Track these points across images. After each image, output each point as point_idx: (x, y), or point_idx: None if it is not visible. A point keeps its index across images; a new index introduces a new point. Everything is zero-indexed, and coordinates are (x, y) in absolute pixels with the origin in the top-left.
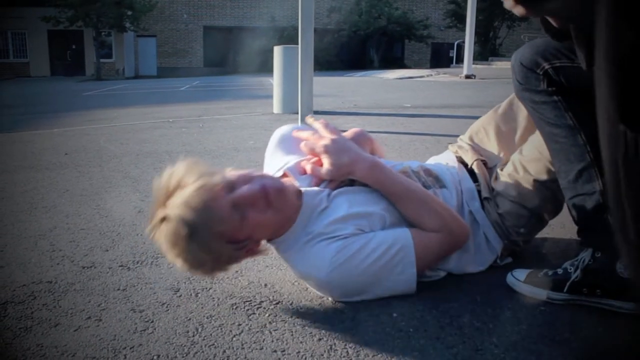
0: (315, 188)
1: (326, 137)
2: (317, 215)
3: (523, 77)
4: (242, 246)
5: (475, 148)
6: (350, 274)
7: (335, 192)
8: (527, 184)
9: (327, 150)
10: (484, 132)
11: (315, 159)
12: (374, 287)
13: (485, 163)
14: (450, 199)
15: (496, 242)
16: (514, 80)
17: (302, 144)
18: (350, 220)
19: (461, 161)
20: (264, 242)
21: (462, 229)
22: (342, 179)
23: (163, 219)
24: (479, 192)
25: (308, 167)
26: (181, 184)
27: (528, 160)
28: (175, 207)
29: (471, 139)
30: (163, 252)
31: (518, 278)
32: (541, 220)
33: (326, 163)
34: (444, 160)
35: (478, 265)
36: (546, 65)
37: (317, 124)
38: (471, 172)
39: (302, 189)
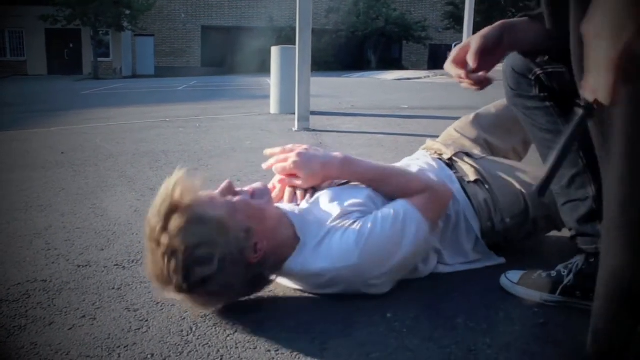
0: (301, 201)
1: (291, 154)
2: (314, 221)
3: (515, 82)
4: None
5: (457, 144)
6: (376, 250)
7: (318, 194)
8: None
9: (297, 165)
10: (464, 137)
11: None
12: (398, 255)
13: (467, 154)
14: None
15: (474, 222)
16: (505, 86)
17: (273, 169)
18: (349, 211)
19: (439, 158)
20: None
21: (441, 184)
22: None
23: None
24: (460, 179)
25: (288, 190)
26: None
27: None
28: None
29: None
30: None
31: (511, 280)
32: (532, 222)
33: (301, 176)
34: (416, 158)
35: (463, 242)
36: (538, 71)
37: (276, 150)
38: (449, 165)
39: (290, 208)
